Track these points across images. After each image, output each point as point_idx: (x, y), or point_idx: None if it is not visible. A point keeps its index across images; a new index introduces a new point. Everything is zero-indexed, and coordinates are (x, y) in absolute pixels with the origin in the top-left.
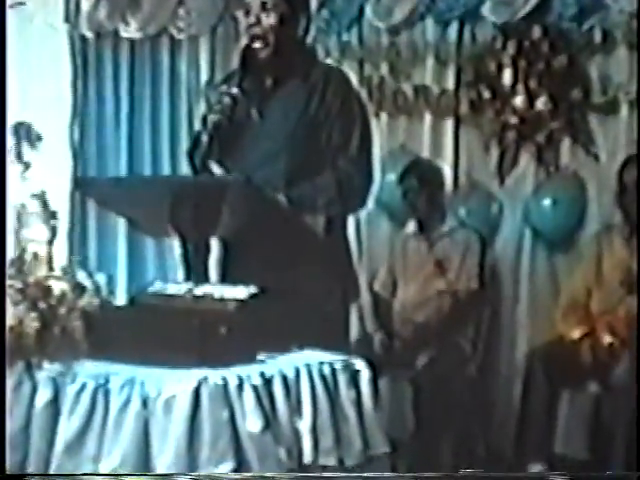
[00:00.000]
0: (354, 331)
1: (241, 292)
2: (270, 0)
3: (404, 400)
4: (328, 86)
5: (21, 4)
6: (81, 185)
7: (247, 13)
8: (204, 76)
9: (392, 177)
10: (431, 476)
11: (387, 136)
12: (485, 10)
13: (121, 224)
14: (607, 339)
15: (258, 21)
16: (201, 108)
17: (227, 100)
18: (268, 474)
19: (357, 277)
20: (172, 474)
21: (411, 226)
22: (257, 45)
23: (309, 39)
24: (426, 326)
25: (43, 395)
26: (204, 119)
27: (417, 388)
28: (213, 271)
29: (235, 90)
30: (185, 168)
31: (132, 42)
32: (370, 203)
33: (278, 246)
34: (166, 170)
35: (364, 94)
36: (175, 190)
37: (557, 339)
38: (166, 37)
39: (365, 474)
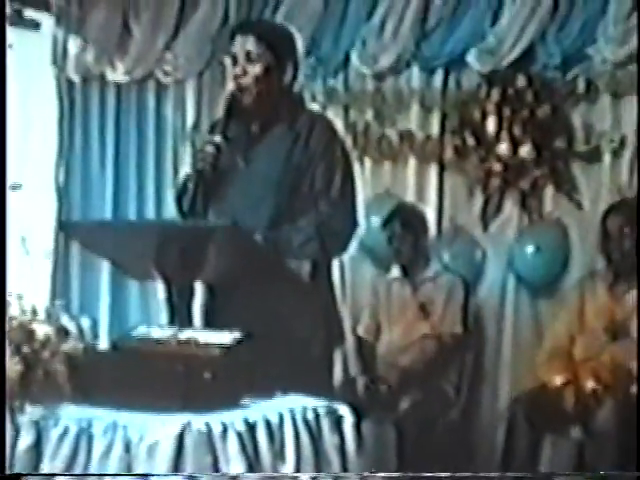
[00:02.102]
0: (337, 375)
1: (226, 337)
2: (256, 51)
3: (387, 444)
4: (312, 132)
5: (9, 46)
6: (65, 227)
7: (234, 62)
8: (190, 120)
9: (376, 221)
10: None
11: (372, 181)
12: (470, 58)
13: (105, 267)
14: (590, 385)
15: (244, 71)
16: (187, 152)
17: (210, 149)
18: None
19: (342, 322)
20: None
21: (395, 270)
22: (242, 94)
23: (296, 86)
24: (410, 370)
25: (25, 439)
26: (191, 166)
27: (400, 432)
28: (197, 315)
29: (218, 139)
30: (170, 212)
31: (118, 86)
32: (354, 247)
33: (263, 291)
34: (151, 213)
35: (349, 139)
36: (161, 234)
37: (540, 385)
38: (152, 81)
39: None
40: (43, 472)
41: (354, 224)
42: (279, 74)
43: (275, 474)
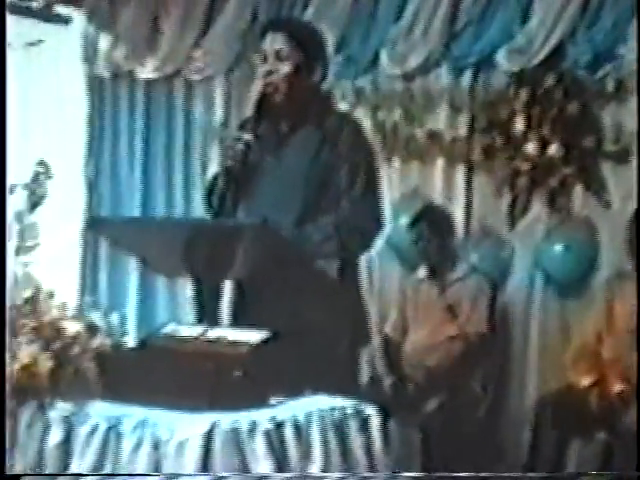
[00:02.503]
0: (364, 374)
1: (254, 336)
2: (285, 49)
3: (413, 444)
4: (340, 133)
5: (40, 42)
6: (94, 224)
7: (264, 60)
8: (219, 118)
9: (404, 221)
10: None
11: (400, 181)
12: (499, 58)
13: (133, 264)
14: (617, 387)
15: (273, 70)
16: (215, 149)
17: (240, 146)
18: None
19: (369, 321)
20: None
21: (422, 271)
22: (272, 92)
23: (325, 85)
24: (436, 370)
25: (55, 435)
26: (220, 163)
27: (426, 432)
28: (226, 313)
29: (249, 136)
30: (198, 209)
31: (148, 83)
32: (381, 247)
33: (292, 290)
34: (179, 210)
35: (377, 139)
36: (190, 231)
37: (567, 386)
38: (181, 78)
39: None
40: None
41: (378, 224)
42: (308, 73)
43: (302, 474)
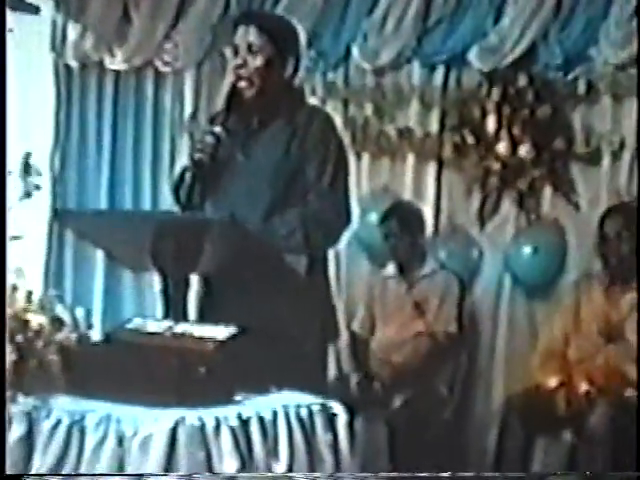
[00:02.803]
0: (331, 371)
1: (221, 332)
2: (257, 42)
3: (379, 441)
4: (310, 127)
5: (10, 31)
6: (60, 216)
7: (235, 53)
8: (188, 110)
9: (373, 218)
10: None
11: (369, 177)
12: (471, 56)
13: (99, 257)
14: (584, 387)
15: (245, 63)
16: (184, 142)
17: (210, 139)
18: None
19: (337, 318)
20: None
21: (391, 268)
22: (243, 85)
23: (296, 80)
24: (403, 368)
25: (17, 430)
26: (190, 157)
27: (392, 429)
28: (193, 308)
29: (219, 129)
30: (167, 202)
31: (117, 73)
32: (350, 243)
33: (259, 285)
34: (147, 203)
35: (348, 134)
36: (157, 225)
37: (534, 386)
38: (151, 70)
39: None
40: (42, 472)
41: (345, 219)
42: (280, 67)
43: (270, 474)
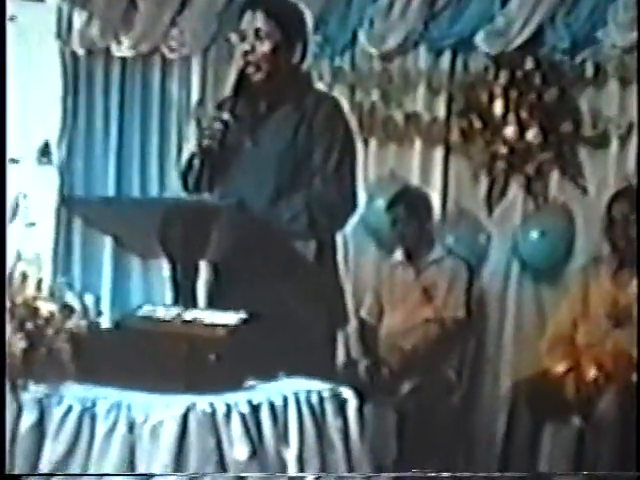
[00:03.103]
0: (340, 357)
1: (231, 318)
2: (265, 28)
3: (388, 427)
4: (318, 112)
5: (12, 18)
6: (67, 203)
7: (243, 39)
8: (195, 97)
9: (381, 203)
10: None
11: (376, 162)
12: (478, 40)
13: (107, 244)
14: (592, 373)
15: (253, 49)
16: (191, 129)
17: (218, 125)
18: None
19: (346, 303)
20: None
21: (399, 254)
22: (251, 71)
23: (304, 65)
24: (412, 353)
25: (28, 417)
26: (197, 143)
27: (401, 415)
28: (202, 295)
29: (227, 116)
30: (174, 189)
31: (124, 60)
32: (357, 229)
33: (268, 271)
34: (155, 190)
35: (354, 119)
36: (165, 211)
37: (542, 372)
38: (158, 56)
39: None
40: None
41: (351, 203)
42: (288, 53)
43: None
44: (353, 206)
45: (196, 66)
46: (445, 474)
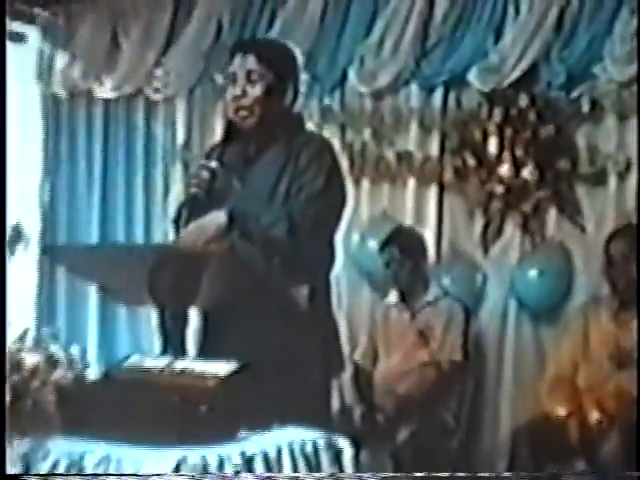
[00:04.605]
0: (334, 403)
1: (222, 368)
2: (257, 70)
3: (385, 474)
4: (306, 149)
5: None
6: (50, 251)
7: (233, 82)
8: (180, 138)
9: (373, 244)
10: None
11: (369, 202)
12: (471, 77)
13: (92, 292)
14: (595, 416)
15: (244, 92)
16: (177, 171)
17: (205, 174)
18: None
19: (341, 349)
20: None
21: (393, 295)
22: (242, 116)
23: (296, 106)
24: (408, 398)
25: (13, 472)
26: (185, 191)
27: (398, 462)
28: (192, 344)
29: (214, 164)
30: (160, 234)
31: (106, 102)
32: (351, 271)
33: (260, 318)
34: (140, 235)
35: (345, 160)
36: (154, 257)
37: (543, 415)
38: (142, 98)
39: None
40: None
41: (333, 222)
42: (280, 95)
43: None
44: (336, 219)
45: (181, 107)
46: (443, 474)
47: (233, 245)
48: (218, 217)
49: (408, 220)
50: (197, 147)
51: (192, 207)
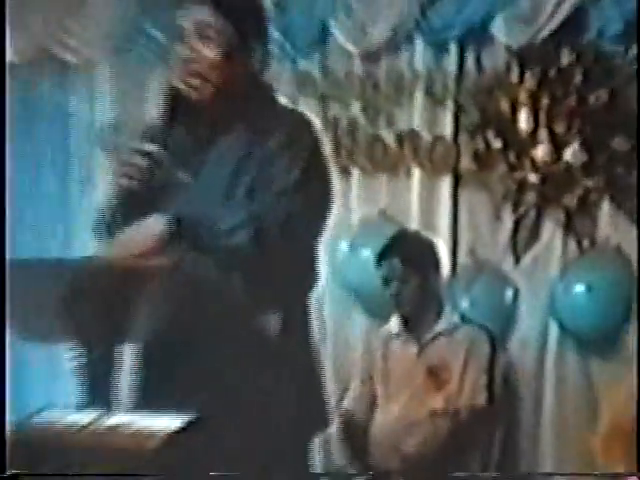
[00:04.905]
0: (317, 465)
1: (167, 423)
2: (212, 24)
3: None
4: (274, 133)
5: None
6: None
7: (181, 41)
8: (105, 115)
9: (368, 255)
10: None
11: (360, 199)
12: (495, 29)
13: None
14: None
15: (195, 54)
16: (100, 159)
17: (141, 161)
18: None
19: (324, 394)
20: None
21: (394, 323)
22: (192, 85)
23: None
24: (415, 457)
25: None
26: (114, 183)
27: None
28: (126, 391)
29: (153, 148)
30: (82, 246)
31: (11, 66)
32: (339, 291)
33: (217, 356)
34: (53, 247)
35: (328, 142)
36: (72, 276)
37: (596, 475)
38: (51, 62)
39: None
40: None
41: (314, 225)
42: (243, 57)
43: None
44: (317, 230)
45: (105, 73)
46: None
47: (179, 259)
48: (159, 221)
49: (413, 222)
50: (129, 127)
51: (123, 207)
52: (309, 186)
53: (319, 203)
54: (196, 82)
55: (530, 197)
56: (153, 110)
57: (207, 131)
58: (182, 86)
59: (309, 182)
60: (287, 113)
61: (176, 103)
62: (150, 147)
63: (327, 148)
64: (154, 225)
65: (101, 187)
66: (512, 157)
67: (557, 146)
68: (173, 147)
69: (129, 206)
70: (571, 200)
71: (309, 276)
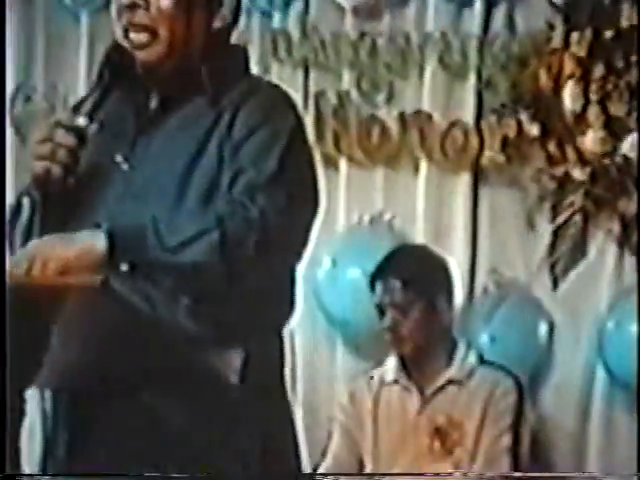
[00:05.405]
0: None
1: None
2: None
3: None
4: (246, 108)
5: None
6: None
7: None
8: (14, 81)
9: (358, 274)
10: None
11: (351, 199)
12: None
13: None
14: None
15: (144, 3)
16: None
17: (67, 139)
18: None
19: (299, 457)
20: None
21: (392, 365)
22: (137, 40)
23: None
24: None
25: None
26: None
27: None
28: (37, 451)
29: (83, 121)
30: None
31: None
32: (320, 322)
33: (159, 406)
34: None
35: (312, 125)
36: None
37: None
38: None
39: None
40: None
41: (295, 234)
42: (205, 12)
43: None
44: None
45: (16, 23)
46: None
47: (111, 277)
48: (98, 238)
49: (418, 232)
50: (51, 96)
51: (40, 195)
52: (289, 180)
53: (302, 203)
54: (141, 38)
55: (575, 200)
56: (84, 75)
57: (155, 103)
58: (123, 42)
59: (289, 175)
60: (261, 85)
61: (115, 66)
62: (79, 120)
63: (310, 132)
64: (91, 242)
65: (9, 176)
66: (552, 147)
67: (612, 133)
68: (110, 123)
69: (49, 202)
70: (630, 207)
71: (285, 303)
